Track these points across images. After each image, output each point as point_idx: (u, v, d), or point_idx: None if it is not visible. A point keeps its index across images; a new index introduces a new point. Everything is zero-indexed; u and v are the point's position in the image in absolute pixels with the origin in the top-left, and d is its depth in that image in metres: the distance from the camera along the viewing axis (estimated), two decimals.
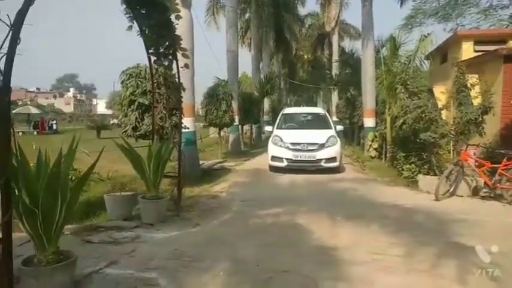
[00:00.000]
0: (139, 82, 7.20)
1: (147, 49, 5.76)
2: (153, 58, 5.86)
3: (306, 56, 34.43)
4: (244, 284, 3.35)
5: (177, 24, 5.67)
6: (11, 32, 2.57)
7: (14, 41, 2.58)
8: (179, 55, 5.89)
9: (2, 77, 2.61)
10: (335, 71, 25.12)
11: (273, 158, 10.11)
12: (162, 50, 5.77)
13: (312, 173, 9.61)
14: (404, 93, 9.76)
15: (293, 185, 8.52)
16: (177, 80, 6.06)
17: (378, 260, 3.86)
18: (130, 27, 5.41)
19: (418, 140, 7.87)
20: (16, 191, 2.81)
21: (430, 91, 10.57)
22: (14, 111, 30.24)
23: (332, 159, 9.80)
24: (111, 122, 36.37)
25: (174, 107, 6.27)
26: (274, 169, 10.12)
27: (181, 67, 6.02)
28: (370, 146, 12.94)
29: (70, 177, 3.58)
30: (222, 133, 14.12)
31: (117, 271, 3.59)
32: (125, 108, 7.29)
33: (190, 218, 5.58)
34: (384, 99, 11.53)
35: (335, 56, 27.38)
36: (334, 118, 21.74)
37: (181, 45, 5.84)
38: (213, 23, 22.46)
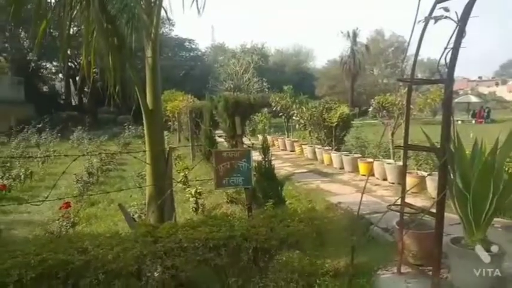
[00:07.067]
0: None
1: None
2: None
3: None
4: None
5: None
6: (457, 27, 2.78)
7: (460, 34, 2.78)
8: None
9: (447, 69, 2.90)
10: None
11: None
12: None
13: None
14: None
15: None
16: None
17: None
18: None
19: None
20: (451, 174, 3.05)
21: None
22: (455, 101, 31.67)
23: None
24: None
25: None
26: None
27: None
28: None
29: (506, 169, 3.38)
30: None
31: None
32: None
33: None
34: None
35: None
36: None
37: None
38: None
